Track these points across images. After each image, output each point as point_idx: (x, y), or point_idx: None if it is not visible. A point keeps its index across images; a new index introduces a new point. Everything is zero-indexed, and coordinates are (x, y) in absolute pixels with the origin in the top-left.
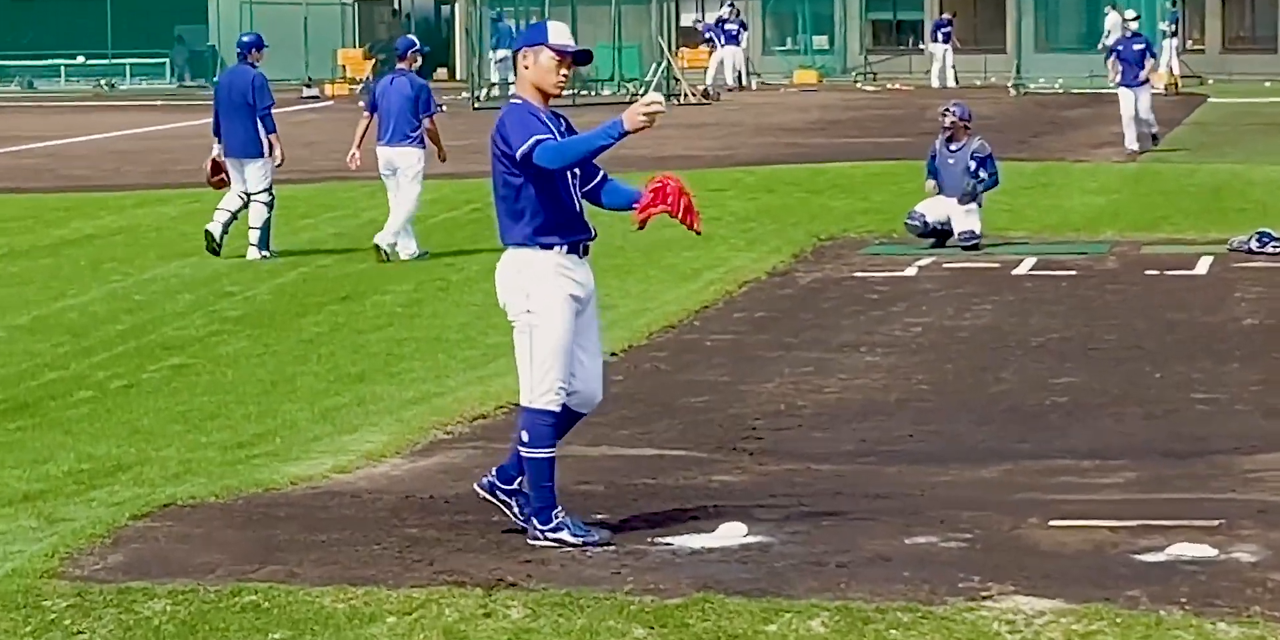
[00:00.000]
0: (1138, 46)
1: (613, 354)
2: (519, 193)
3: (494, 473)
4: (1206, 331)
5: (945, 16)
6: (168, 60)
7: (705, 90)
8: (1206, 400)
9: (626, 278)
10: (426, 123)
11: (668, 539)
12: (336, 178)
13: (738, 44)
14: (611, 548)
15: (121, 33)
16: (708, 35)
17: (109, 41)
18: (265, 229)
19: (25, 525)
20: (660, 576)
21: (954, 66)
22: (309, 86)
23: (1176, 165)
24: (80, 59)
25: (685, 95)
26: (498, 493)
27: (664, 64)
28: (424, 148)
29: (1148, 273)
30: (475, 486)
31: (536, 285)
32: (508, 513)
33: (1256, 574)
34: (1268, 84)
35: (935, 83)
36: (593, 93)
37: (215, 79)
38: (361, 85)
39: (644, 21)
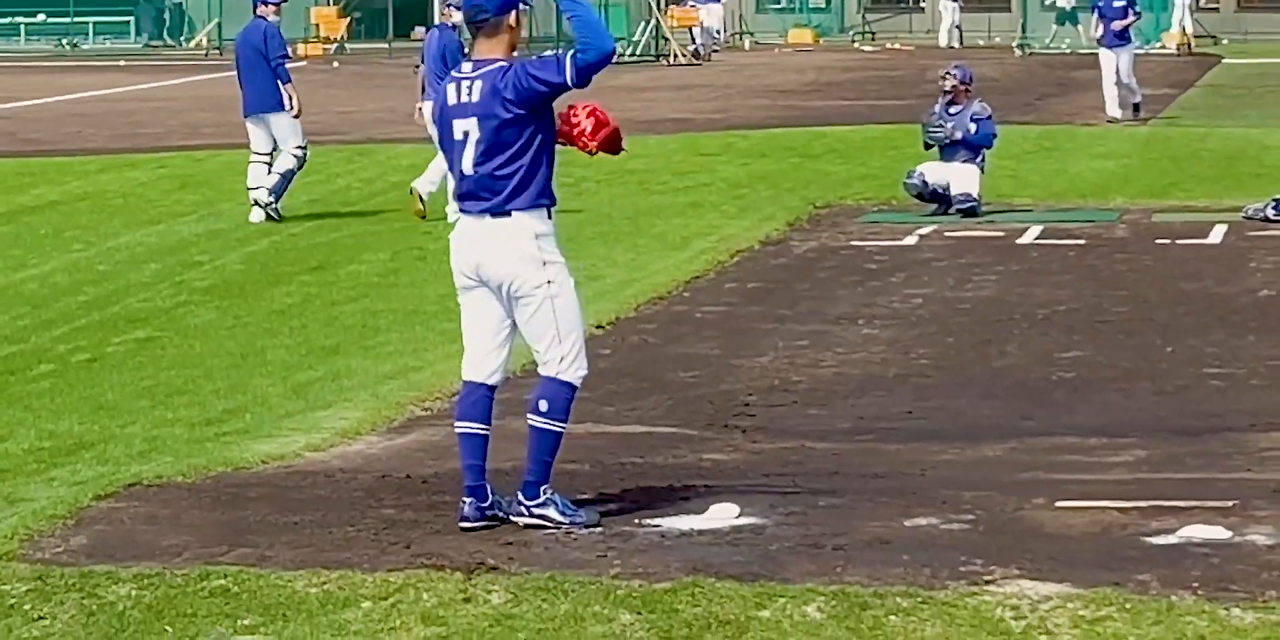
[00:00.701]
0: (1118, 3)
1: (599, 327)
2: (531, 150)
3: (521, 495)
4: (1220, 303)
5: None
6: (132, 18)
7: (695, 50)
8: (1220, 375)
9: (614, 246)
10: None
11: (656, 520)
12: (310, 142)
13: (716, 1)
14: (598, 529)
15: None
16: None
17: None
18: (286, 178)
19: None
20: (648, 559)
21: (959, 26)
22: None
23: (1189, 129)
24: (41, 17)
25: (675, 56)
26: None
27: (652, 23)
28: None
29: (1159, 241)
30: (514, 516)
31: (552, 252)
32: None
33: (1273, 557)
34: None
35: (943, 41)
36: (524, 52)
37: (182, 37)
38: (335, 46)
39: None
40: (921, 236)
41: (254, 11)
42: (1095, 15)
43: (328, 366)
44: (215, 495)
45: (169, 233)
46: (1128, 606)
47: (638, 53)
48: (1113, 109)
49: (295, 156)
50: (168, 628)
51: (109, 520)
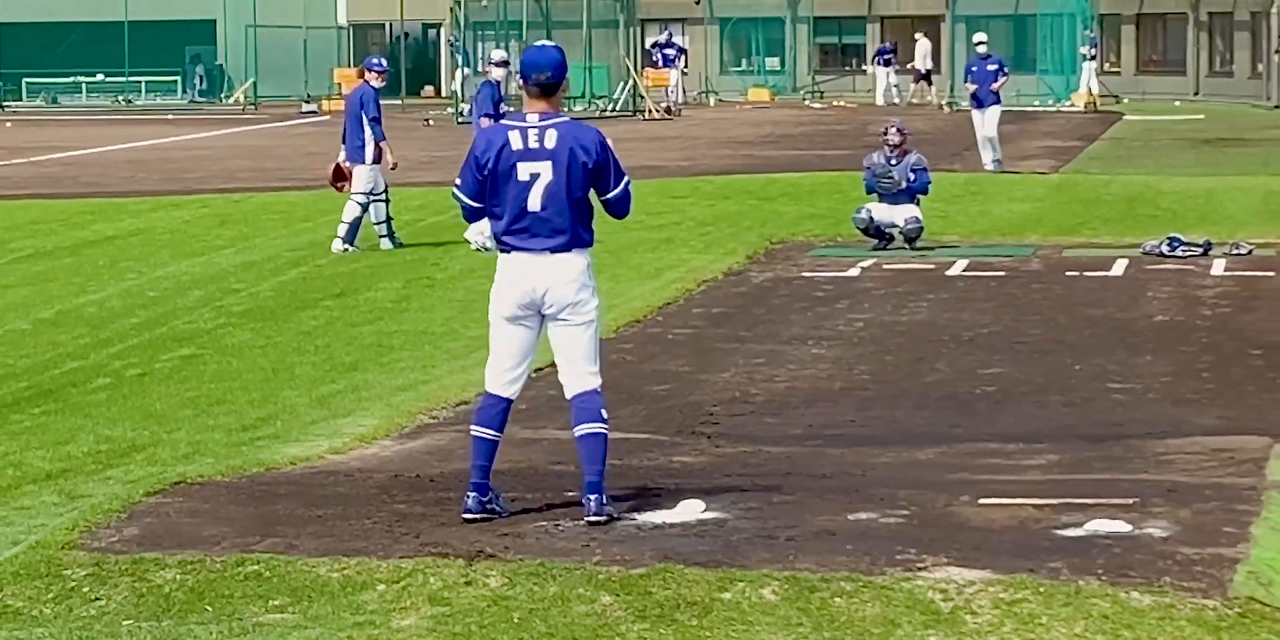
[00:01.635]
0: (991, 67)
1: None
2: (588, 200)
3: (591, 493)
4: (1122, 327)
5: (888, 44)
6: (179, 77)
7: (668, 107)
8: (1121, 390)
9: (597, 276)
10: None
11: (632, 514)
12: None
13: (672, 67)
14: (581, 523)
15: (138, 52)
16: (654, 58)
17: (126, 61)
18: (354, 226)
19: (48, 501)
20: (625, 548)
21: (897, 86)
22: (308, 102)
23: (1094, 176)
24: (99, 76)
25: (649, 111)
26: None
27: (630, 83)
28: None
29: (1068, 273)
30: (594, 516)
31: (594, 283)
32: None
33: (1167, 548)
34: (1177, 103)
35: (880, 101)
36: (565, 109)
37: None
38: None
39: (612, 44)
40: (863, 269)
41: (359, 76)
42: (968, 78)
43: (348, 380)
44: (250, 492)
45: (210, 264)
46: (1041, 590)
47: (617, 108)
48: (987, 162)
49: (358, 204)
50: (208, 607)
51: (157, 514)
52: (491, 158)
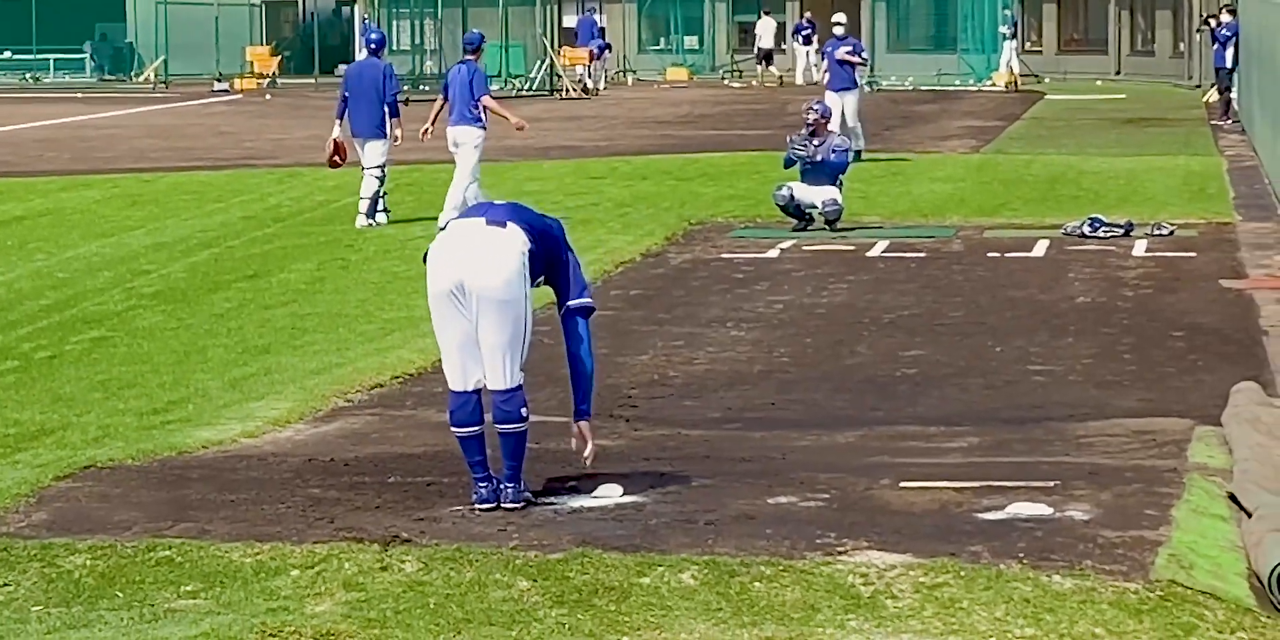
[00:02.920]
0: (845, 49)
1: None
2: None
3: (507, 484)
4: (1043, 309)
5: (805, 20)
6: (87, 55)
7: (585, 85)
8: (1043, 372)
9: None
10: (485, 102)
11: (549, 498)
12: (245, 165)
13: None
14: (497, 507)
15: (45, 30)
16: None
17: (33, 38)
18: (374, 200)
19: None
20: (543, 533)
21: (817, 65)
22: (220, 81)
23: (1015, 156)
24: (6, 54)
25: (566, 91)
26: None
27: (547, 62)
28: (482, 126)
29: (990, 255)
30: (511, 502)
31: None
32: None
33: (1088, 531)
34: (1099, 83)
35: (800, 79)
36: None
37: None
38: (268, 80)
39: (529, 22)
40: (783, 250)
41: (370, 52)
42: (824, 61)
43: (260, 363)
44: (161, 476)
45: (120, 245)
46: (962, 574)
47: (534, 88)
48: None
49: (376, 178)
50: (119, 593)
51: (67, 498)
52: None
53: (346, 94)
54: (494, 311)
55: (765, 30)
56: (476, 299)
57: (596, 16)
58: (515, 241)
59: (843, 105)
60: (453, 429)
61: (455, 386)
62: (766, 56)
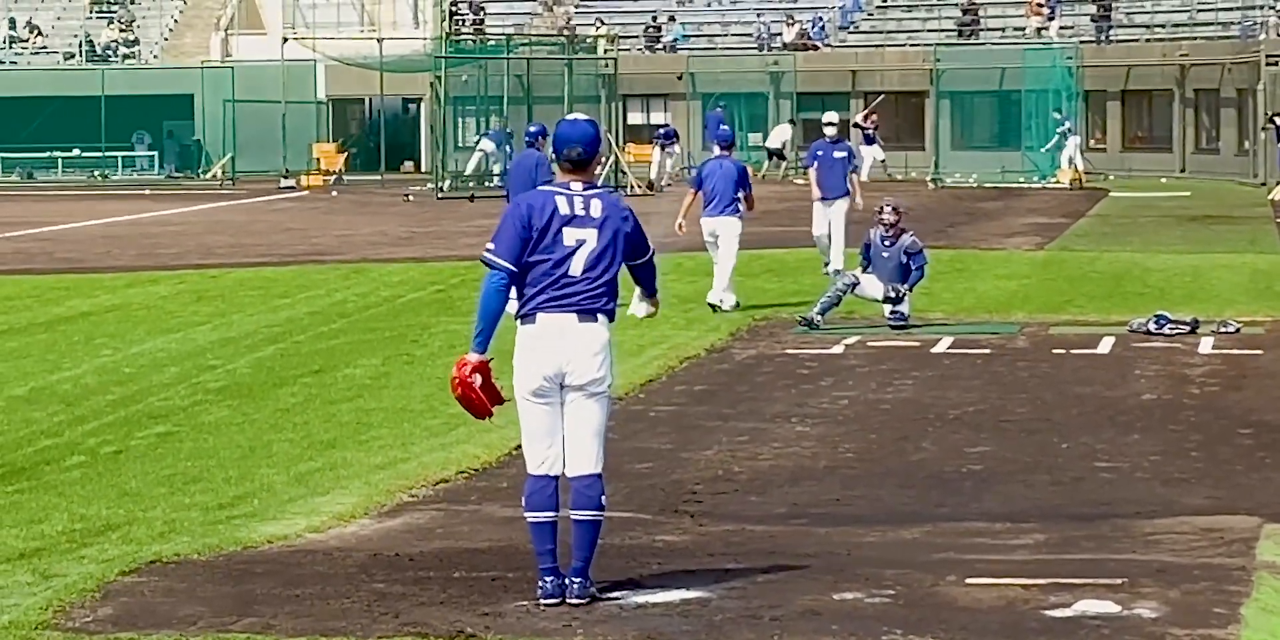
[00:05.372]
0: (839, 154)
1: None
2: (618, 273)
3: (574, 578)
4: (1109, 405)
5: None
6: (156, 153)
7: (650, 182)
8: (1109, 468)
9: None
10: (744, 195)
11: (615, 594)
12: (312, 261)
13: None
14: (562, 602)
15: (114, 128)
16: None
17: (102, 136)
18: None
19: (21, 581)
20: (608, 628)
21: (884, 161)
22: (286, 177)
23: (1080, 253)
24: (75, 151)
25: (631, 187)
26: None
27: (612, 158)
28: (741, 217)
29: (1055, 351)
30: (577, 597)
31: (614, 358)
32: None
33: (1156, 629)
34: (1163, 180)
35: (865, 176)
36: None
37: (200, 169)
38: (334, 177)
39: (595, 119)
40: (848, 346)
41: (528, 144)
42: (815, 165)
43: (326, 458)
44: (226, 571)
45: (186, 340)
46: None
47: (599, 183)
48: (830, 269)
49: None
50: None
51: (132, 593)
52: (542, 221)
53: (509, 186)
54: (587, 400)
55: (779, 135)
56: (571, 388)
57: (719, 110)
58: (605, 332)
59: (830, 215)
60: (527, 514)
61: (535, 471)
62: (777, 154)
